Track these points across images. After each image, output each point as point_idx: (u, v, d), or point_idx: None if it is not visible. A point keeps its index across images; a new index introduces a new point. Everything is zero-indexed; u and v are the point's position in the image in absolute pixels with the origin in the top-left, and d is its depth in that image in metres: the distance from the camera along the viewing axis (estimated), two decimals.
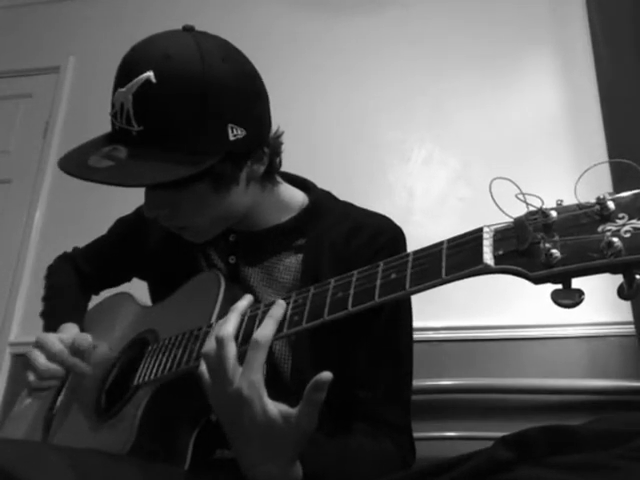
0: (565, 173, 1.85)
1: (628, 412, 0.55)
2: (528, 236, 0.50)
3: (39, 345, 0.90)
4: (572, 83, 2.06)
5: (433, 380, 1.68)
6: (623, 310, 1.72)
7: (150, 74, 0.73)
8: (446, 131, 2.12)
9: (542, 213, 0.50)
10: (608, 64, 1.87)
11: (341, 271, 0.67)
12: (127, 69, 0.76)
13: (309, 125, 2.19)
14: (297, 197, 0.94)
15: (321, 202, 0.94)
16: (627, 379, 1.62)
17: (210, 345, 0.65)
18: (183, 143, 0.75)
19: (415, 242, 0.71)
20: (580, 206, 0.49)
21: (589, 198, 0.49)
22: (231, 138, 0.76)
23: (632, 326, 1.67)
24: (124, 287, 1.16)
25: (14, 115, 2.64)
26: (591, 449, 0.49)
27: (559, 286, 0.49)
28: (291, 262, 0.89)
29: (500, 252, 0.52)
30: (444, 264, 0.55)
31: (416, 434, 0.85)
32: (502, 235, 0.53)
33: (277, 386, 0.65)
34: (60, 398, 0.97)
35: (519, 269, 0.50)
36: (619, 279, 0.47)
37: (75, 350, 0.89)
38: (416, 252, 0.60)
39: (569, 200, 0.51)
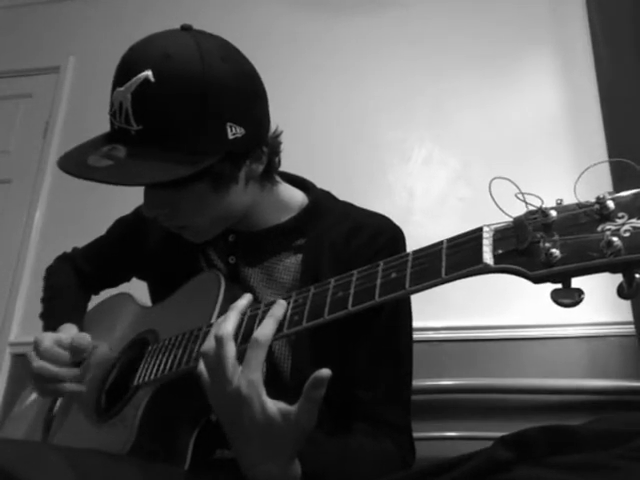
0: (565, 173, 1.85)
1: (628, 412, 0.55)
2: (528, 235, 0.50)
3: (36, 349, 0.90)
4: (572, 83, 2.06)
5: (433, 380, 1.68)
6: (623, 310, 1.72)
7: (149, 73, 0.73)
8: (446, 131, 2.12)
9: (542, 212, 0.50)
10: (608, 64, 1.87)
11: (341, 271, 0.66)
12: (126, 68, 0.76)
13: (309, 125, 2.19)
14: (296, 197, 0.94)
15: (321, 202, 0.94)
16: (627, 379, 1.62)
17: (209, 344, 0.65)
18: (182, 142, 0.75)
19: (415, 242, 0.71)
20: (580, 205, 0.49)
21: (589, 198, 0.49)
22: (230, 137, 0.76)
23: (632, 326, 1.67)
24: (124, 287, 1.16)
25: (14, 115, 2.64)
26: (591, 449, 0.49)
27: (559, 285, 0.49)
28: (291, 262, 0.89)
29: (500, 251, 0.52)
30: (444, 263, 0.55)
31: (416, 434, 0.85)
32: (502, 234, 0.53)
33: (277, 386, 0.66)
34: (60, 398, 0.97)
35: (519, 268, 0.50)
36: (619, 279, 0.47)
37: (74, 350, 0.89)
38: (416, 252, 0.60)
39: (569, 200, 0.51)
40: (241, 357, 0.64)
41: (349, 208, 0.95)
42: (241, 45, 0.83)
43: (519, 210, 0.53)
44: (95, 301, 1.15)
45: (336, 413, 0.83)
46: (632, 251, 0.44)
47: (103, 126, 0.83)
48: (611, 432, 0.50)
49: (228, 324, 0.66)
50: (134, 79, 0.73)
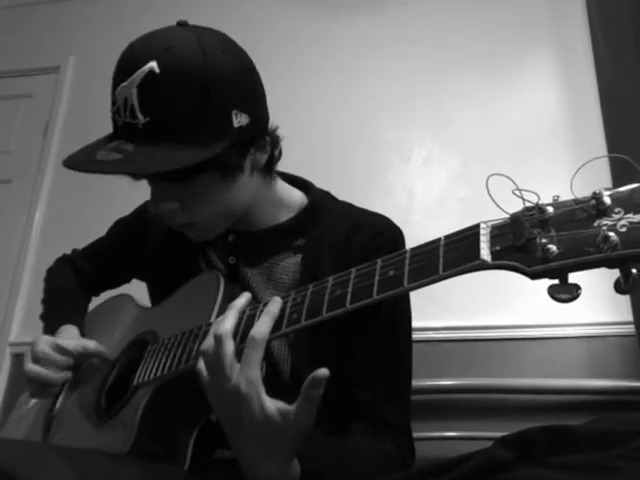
0: (565, 173, 1.84)
1: (628, 412, 0.55)
2: (524, 232, 0.50)
3: (32, 354, 0.90)
4: (572, 83, 2.06)
5: (433, 380, 1.68)
6: (623, 310, 1.72)
7: (153, 64, 0.73)
8: (446, 131, 2.12)
9: (538, 209, 0.50)
10: (608, 64, 1.86)
11: (341, 271, 0.66)
12: (127, 64, 0.75)
13: (309, 125, 2.19)
14: (296, 197, 0.94)
15: (320, 202, 0.94)
16: (627, 379, 1.62)
17: (208, 342, 0.65)
18: (190, 132, 0.75)
19: (415, 242, 0.70)
20: (576, 201, 0.49)
21: (588, 195, 0.49)
22: (236, 125, 0.77)
23: (632, 326, 1.67)
24: (124, 288, 1.16)
25: (14, 115, 2.65)
26: (591, 449, 0.49)
27: (556, 281, 0.49)
28: (290, 262, 0.89)
29: (497, 248, 0.52)
30: (441, 260, 0.55)
31: (416, 434, 0.85)
32: (499, 231, 0.53)
33: (276, 386, 0.66)
34: (60, 399, 0.97)
35: (516, 264, 0.50)
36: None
37: (79, 356, 0.90)
38: (414, 249, 0.60)
39: (568, 197, 0.51)
40: (240, 356, 0.64)
41: (349, 208, 0.95)
42: (241, 45, 0.84)
43: (517, 207, 0.53)
44: (95, 302, 1.15)
45: (335, 413, 0.83)
46: (629, 246, 0.44)
47: (103, 126, 0.82)
48: (611, 432, 0.50)
49: (227, 322, 0.66)
50: (138, 72, 0.73)
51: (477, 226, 0.55)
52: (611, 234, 0.45)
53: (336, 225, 0.90)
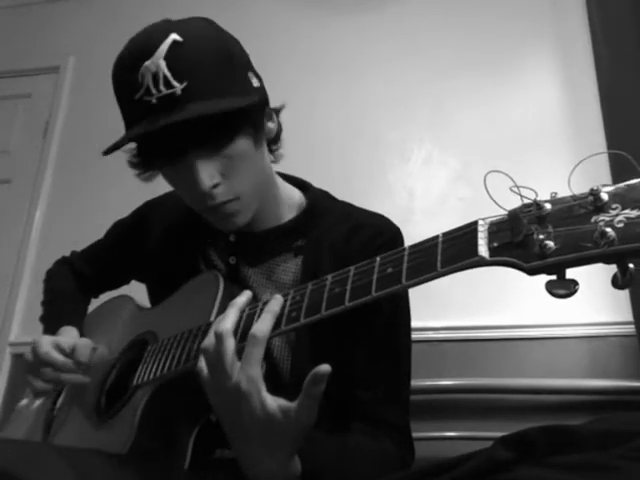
0: (565, 172, 1.82)
1: (628, 412, 0.55)
2: (522, 228, 0.50)
3: (34, 354, 0.90)
4: (572, 82, 2.06)
5: (433, 380, 1.68)
6: (623, 310, 1.72)
7: (174, 35, 0.75)
8: (446, 131, 2.12)
9: (536, 205, 0.51)
10: (608, 62, 1.86)
11: None
12: (143, 47, 0.75)
13: (309, 125, 2.19)
14: (295, 197, 0.94)
15: (319, 202, 0.94)
16: (627, 379, 1.62)
17: (209, 340, 0.65)
18: (225, 88, 0.76)
19: (415, 242, 0.71)
20: (574, 197, 0.50)
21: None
22: (255, 85, 0.81)
23: (632, 326, 1.67)
24: (124, 290, 1.16)
25: (14, 115, 2.65)
26: (591, 449, 0.49)
27: (554, 277, 0.49)
28: (291, 263, 0.89)
29: (495, 244, 0.52)
30: (439, 257, 0.55)
31: (416, 434, 0.85)
32: (497, 227, 0.53)
33: (277, 386, 0.65)
34: (60, 399, 0.97)
35: (514, 260, 0.50)
36: None
37: (76, 359, 0.89)
38: (412, 246, 0.60)
39: (567, 194, 0.52)
40: (240, 354, 0.64)
41: (348, 208, 0.96)
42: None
43: (516, 205, 0.53)
44: (95, 304, 1.15)
45: (335, 412, 0.83)
46: (626, 241, 0.45)
47: (103, 126, 0.83)
48: (611, 432, 0.50)
49: (227, 321, 0.66)
50: (162, 46, 0.74)
51: (475, 223, 0.55)
52: (608, 230, 0.45)
53: (336, 225, 0.90)
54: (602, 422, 0.52)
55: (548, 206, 0.50)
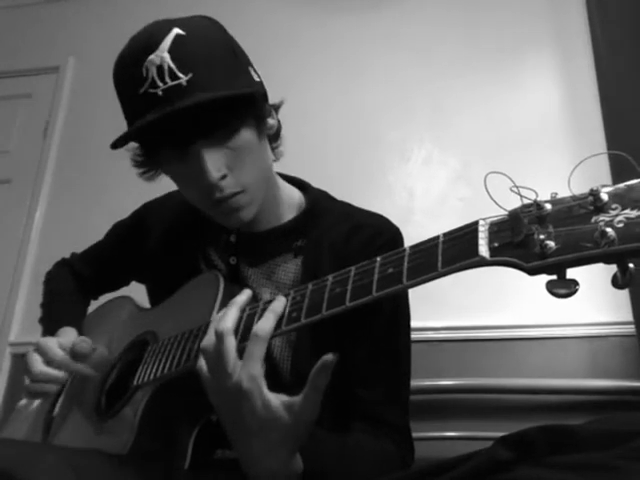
0: (565, 172, 1.83)
1: (628, 412, 0.55)
2: (523, 228, 0.50)
3: (39, 350, 0.90)
4: (572, 82, 2.06)
5: (432, 380, 1.68)
6: (623, 310, 1.72)
7: (177, 29, 0.75)
8: (446, 131, 2.12)
9: (536, 205, 0.51)
10: (608, 62, 1.87)
11: None
12: (147, 42, 0.75)
13: (308, 125, 2.19)
14: (295, 197, 0.95)
15: (319, 202, 0.94)
16: (628, 379, 1.62)
17: (209, 339, 0.65)
18: (229, 79, 0.77)
19: (415, 242, 0.71)
20: (574, 198, 0.50)
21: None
22: (256, 79, 0.83)
23: (632, 326, 1.67)
24: (123, 291, 1.16)
25: (14, 115, 2.65)
26: (591, 449, 0.49)
27: (554, 277, 0.49)
28: (291, 263, 0.89)
29: (495, 244, 0.52)
30: (440, 257, 0.55)
31: (416, 434, 0.85)
32: (497, 228, 0.53)
33: (277, 387, 0.65)
34: (60, 400, 0.97)
35: (514, 260, 0.50)
36: None
37: (75, 354, 0.89)
38: (412, 247, 0.60)
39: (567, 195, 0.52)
40: (241, 354, 0.64)
41: (348, 208, 0.96)
42: (238, 42, 0.84)
43: (516, 205, 0.53)
44: (95, 305, 1.15)
45: (336, 412, 0.83)
46: (626, 241, 0.45)
47: (103, 125, 0.83)
48: (611, 432, 0.50)
49: (227, 319, 0.66)
50: (165, 40, 0.74)
51: (475, 223, 0.55)
52: (608, 230, 0.45)
53: (336, 226, 0.90)
54: (602, 422, 0.52)
55: (548, 206, 0.50)
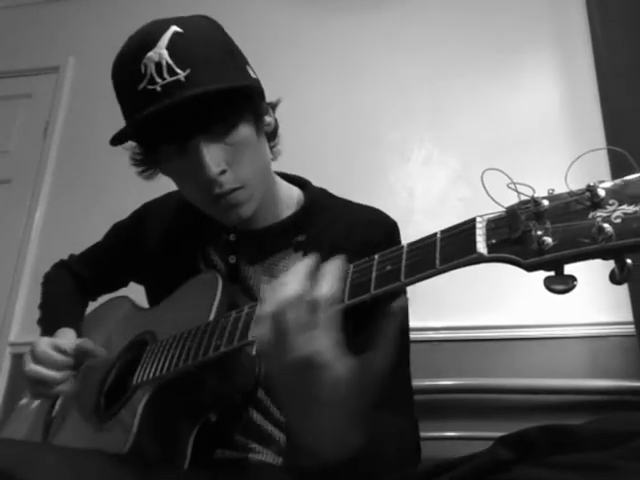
0: (565, 171, 1.85)
1: (628, 412, 0.55)
2: (520, 224, 0.50)
3: (32, 353, 0.90)
4: (572, 82, 2.06)
5: (432, 380, 1.68)
6: (624, 310, 1.72)
7: (174, 27, 0.76)
8: (446, 131, 2.12)
9: (534, 202, 0.51)
10: (608, 63, 1.86)
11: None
12: (145, 40, 0.76)
13: (308, 125, 2.19)
14: (294, 194, 0.95)
15: (318, 199, 0.95)
16: (628, 379, 1.62)
17: (296, 307, 0.55)
18: (227, 75, 0.78)
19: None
20: (571, 194, 0.50)
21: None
22: (253, 76, 0.84)
23: (632, 326, 1.67)
24: (122, 291, 1.15)
25: (14, 115, 2.65)
26: (591, 449, 0.49)
27: (552, 273, 0.50)
28: (292, 259, 0.89)
29: (493, 241, 0.52)
30: (438, 254, 0.55)
31: None
32: (495, 224, 0.53)
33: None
34: (59, 400, 0.97)
35: (512, 257, 0.50)
36: None
37: (79, 354, 0.90)
38: (410, 244, 0.60)
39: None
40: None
41: (347, 204, 0.97)
42: (237, 41, 0.85)
43: (514, 202, 0.53)
44: (94, 306, 1.15)
45: None
46: (623, 236, 0.45)
47: (103, 125, 0.83)
48: (611, 432, 0.50)
49: (324, 287, 0.56)
50: (163, 37, 0.75)
51: (473, 220, 0.55)
52: (606, 225, 0.45)
53: (335, 221, 0.91)
54: (602, 422, 0.52)
55: (546, 202, 0.50)
